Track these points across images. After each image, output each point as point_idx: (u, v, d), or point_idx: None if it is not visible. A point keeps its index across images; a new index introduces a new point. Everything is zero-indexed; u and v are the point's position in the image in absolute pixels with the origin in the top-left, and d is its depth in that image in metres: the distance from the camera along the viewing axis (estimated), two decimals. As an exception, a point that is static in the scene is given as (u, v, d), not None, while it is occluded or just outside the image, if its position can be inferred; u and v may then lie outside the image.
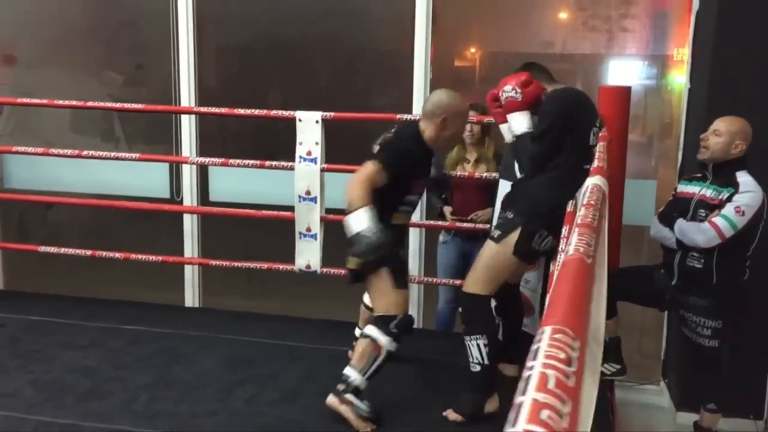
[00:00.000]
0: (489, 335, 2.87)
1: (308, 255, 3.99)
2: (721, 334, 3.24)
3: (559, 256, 2.24)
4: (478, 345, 2.85)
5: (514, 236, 2.84)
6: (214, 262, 4.34)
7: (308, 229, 3.97)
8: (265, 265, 4.23)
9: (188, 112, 4.52)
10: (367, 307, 3.36)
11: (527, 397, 0.59)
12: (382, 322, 2.88)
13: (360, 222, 2.70)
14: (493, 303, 3.05)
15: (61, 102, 4.30)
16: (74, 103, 4.29)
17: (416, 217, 3.99)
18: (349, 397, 2.84)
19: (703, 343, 3.26)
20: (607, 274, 2.17)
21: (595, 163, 2.50)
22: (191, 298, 4.70)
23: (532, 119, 2.91)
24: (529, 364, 0.66)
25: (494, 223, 3.44)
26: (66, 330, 3.98)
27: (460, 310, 3.05)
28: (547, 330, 0.73)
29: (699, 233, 3.13)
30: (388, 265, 2.89)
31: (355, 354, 2.90)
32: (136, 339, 3.88)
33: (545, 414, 0.56)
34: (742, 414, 3.76)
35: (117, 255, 4.35)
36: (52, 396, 3.20)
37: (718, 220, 3.09)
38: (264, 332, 3.99)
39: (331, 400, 2.87)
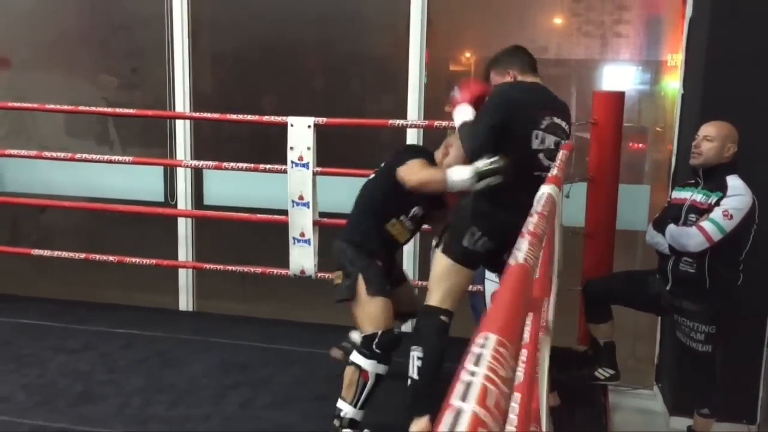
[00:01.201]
0: (428, 350, 2.68)
1: (302, 260, 3.99)
2: (714, 339, 3.25)
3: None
4: (413, 357, 2.69)
5: (446, 237, 2.78)
6: (208, 266, 4.33)
7: (302, 234, 3.97)
8: (259, 270, 4.23)
9: (180, 117, 4.52)
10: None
11: (467, 407, 0.59)
12: (364, 345, 2.79)
13: (459, 173, 2.64)
14: None
15: (53, 106, 4.29)
16: (66, 107, 4.28)
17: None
18: None
19: (697, 348, 3.27)
20: (555, 279, 2.16)
21: (553, 171, 2.41)
22: (185, 301, 4.69)
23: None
24: (469, 367, 0.66)
25: None
26: (59, 333, 3.97)
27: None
28: (492, 338, 0.73)
29: (687, 238, 3.14)
30: (363, 274, 2.83)
31: (343, 384, 2.80)
32: (130, 343, 3.87)
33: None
34: (736, 419, 3.76)
35: (111, 258, 4.34)
36: (45, 400, 3.19)
37: (705, 224, 3.10)
38: (258, 336, 3.99)
39: None
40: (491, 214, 2.70)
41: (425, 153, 2.98)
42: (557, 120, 2.81)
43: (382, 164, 3.04)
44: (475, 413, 0.58)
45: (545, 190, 1.91)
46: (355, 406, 2.76)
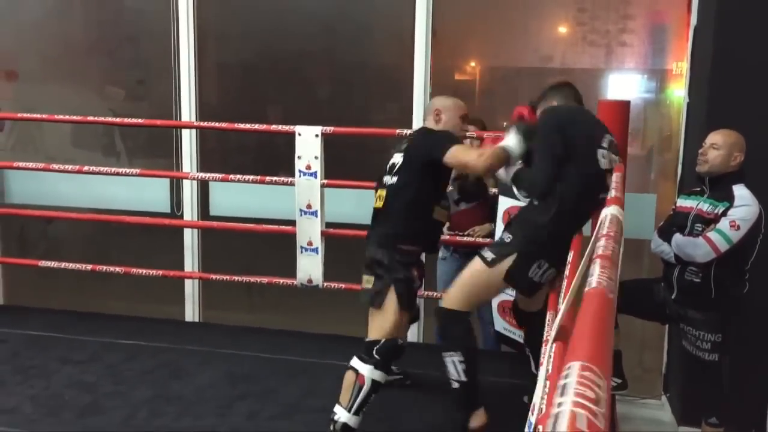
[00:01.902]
0: (465, 351, 2.74)
1: (310, 269, 3.99)
2: (720, 347, 3.23)
3: (564, 282, 2.20)
4: (453, 362, 2.73)
5: (509, 261, 2.69)
6: (214, 277, 4.34)
7: (309, 244, 3.97)
8: (265, 280, 4.23)
9: (188, 126, 4.54)
10: None
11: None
12: (365, 350, 2.79)
13: (510, 139, 2.75)
14: (517, 335, 2.95)
15: (61, 117, 4.31)
16: (74, 118, 4.30)
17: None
18: None
19: (703, 357, 3.26)
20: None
21: (612, 193, 2.32)
22: (191, 312, 4.69)
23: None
24: (557, 400, 0.65)
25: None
26: (66, 345, 3.98)
27: (435, 325, 2.93)
28: (575, 366, 0.72)
29: (694, 248, 3.13)
30: (396, 287, 2.80)
31: (343, 388, 2.81)
32: (136, 354, 3.87)
33: None
34: (744, 428, 3.73)
35: (117, 269, 4.35)
36: (52, 411, 3.20)
37: (712, 234, 3.10)
38: (264, 347, 3.99)
39: None
40: (562, 242, 2.57)
41: (445, 134, 2.96)
42: (613, 138, 2.78)
43: (396, 162, 2.94)
44: None
45: (609, 211, 1.89)
46: (349, 411, 2.75)
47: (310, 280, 4.01)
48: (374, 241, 2.90)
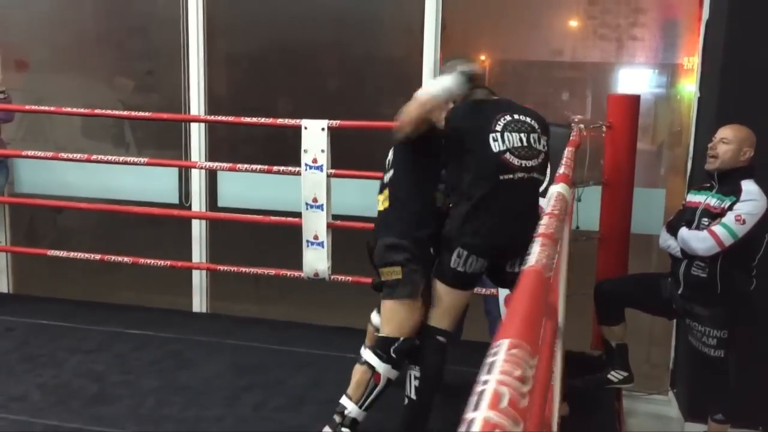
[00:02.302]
0: (425, 370, 2.63)
1: (316, 263, 3.99)
2: (726, 343, 3.22)
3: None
4: (410, 375, 2.65)
5: (436, 264, 2.69)
6: (222, 268, 4.35)
7: (315, 237, 3.97)
8: (272, 272, 4.24)
9: (194, 120, 4.54)
10: (375, 327, 3.15)
11: (478, 415, 0.57)
12: (382, 347, 2.70)
13: (436, 84, 2.71)
14: None
15: (68, 110, 4.33)
16: (83, 110, 4.32)
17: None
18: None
19: (709, 353, 3.25)
20: (564, 283, 2.12)
21: (561, 170, 2.35)
22: (199, 303, 4.71)
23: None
24: (482, 377, 0.64)
25: None
26: (74, 334, 4.00)
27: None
28: (504, 343, 0.72)
29: (698, 241, 3.12)
30: (420, 283, 2.70)
31: (352, 382, 2.72)
32: (144, 344, 3.89)
33: None
34: (751, 425, 3.72)
35: (125, 259, 4.37)
36: (60, 400, 3.22)
37: (717, 228, 3.08)
38: (271, 338, 4.00)
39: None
40: (473, 230, 2.58)
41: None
42: (517, 116, 2.68)
43: (389, 158, 2.92)
44: (486, 418, 0.57)
45: (555, 189, 1.87)
46: (360, 407, 2.69)
47: (316, 274, 4.01)
48: (383, 233, 2.81)
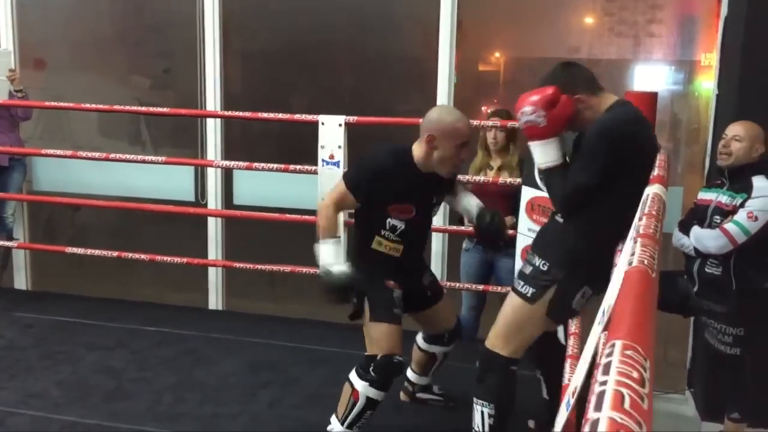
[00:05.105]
0: (499, 407, 2.45)
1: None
2: (743, 341, 3.21)
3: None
4: (482, 412, 2.46)
5: (550, 294, 2.36)
6: (238, 265, 4.36)
7: (332, 233, 3.96)
8: (288, 269, 4.25)
9: (212, 115, 4.56)
10: (419, 348, 3.14)
11: (603, 415, 0.56)
12: (364, 363, 2.67)
13: (321, 255, 2.59)
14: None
15: (87, 106, 4.35)
16: (101, 106, 4.34)
17: (438, 221, 3.98)
18: None
19: (725, 351, 3.23)
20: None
21: (655, 171, 2.15)
22: (215, 300, 4.73)
23: (563, 145, 2.36)
24: (600, 378, 0.63)
25: (519, 261, 3.21)
26: (92, 331, 4.03)
27: (477, 364, 2.57)
28: (618, 344, 0.70)
29: (711, 240, 3.11)
30: (368, 296, 2.69)
31: (340, 399, 2.72)
32: (161, 341, 3.91)
33: None
34: (769, 424, 3.69)
35: (142, 257, 4.39)
36: (78, 396, 3.24)
37: (729, 226, 3.07)
38: (287, 336, 4.01)
39: None
40: (604, 268, 2.12)
41: (366, 169, 2.69)
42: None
43: None
44: (611, 418, 0.56)
45: (651, 190, 1.78)
46: (342, 424, 2.68)
47: (332, 270, 4.01)
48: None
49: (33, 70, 5.17)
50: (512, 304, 2.46)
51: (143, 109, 4.53)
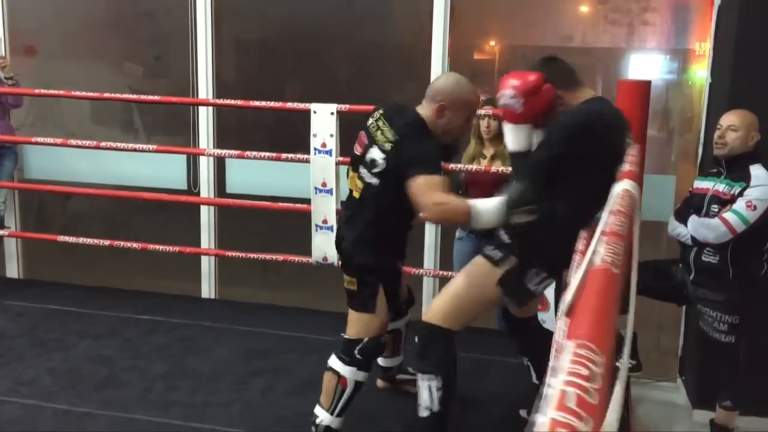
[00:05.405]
0: (446, 379, 2.42)
1: (325, 248, 3.99)
2: (738, 329, 3.22)
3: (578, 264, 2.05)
4: (429, 387, 2.41)
5: (512, 263, 2.41)
6: (230, 254, 4.36)
7: (325, 221, 3.97)
8: (281, 257, 4.24)
9: (203, 104, 4.54)
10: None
11: (546, 416, 0.57)
12: (345, 350, 2.63)
13: (487, 210, 2.31)
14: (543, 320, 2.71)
15: (77, 93, 4.33)
16: (92, 94, 4.32)
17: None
18: None
19: (720, 339, 3.24)
20: (635, 280, 2.01)
21: (626, 167, 2.17)
22: (207, 289, 4.72)
23: (534, 135, 2.40)
24: (550, 380, 0.64)
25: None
26: (83, 319, 4.02)
27: (416, 339, 2.53)
28: (570, 345, 0.71)
29: (709, 229, 3.11)
30: (384, 284, 2.62)
31: (323, 389, 2.68)
32: (153, 329, 3.91)
33: None
34: (761, 413, 3.71)
35: (134, 245, 4.38)
36: (70, 384, 3.24)
37: (728, 215, 3.07)
38: (279, 324, 4.01)
39: None
40: (561, 255, 2.20)
41: (428, 154, 2.44)
42: (629, 138, 2.45)
43: (377, 160, 2.53)
44: (553, 418, 0.57)
45: (621, 186, 1.78)
46: (331, 414, 2.65)
47: (325, 258, 4.01)
48: (351, 239, 2.64)
49: (24, 57, 5.13)
50: (468, 272, 2.48)
51: (133, 97, 4.49)
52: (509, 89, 2.33)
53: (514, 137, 2.40)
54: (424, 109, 2.57)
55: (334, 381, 2.64)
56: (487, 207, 2.31)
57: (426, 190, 2.33)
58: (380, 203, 2.55)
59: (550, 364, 0.71)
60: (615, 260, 1.11)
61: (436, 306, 2.50)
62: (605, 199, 2.10)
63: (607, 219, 1.40)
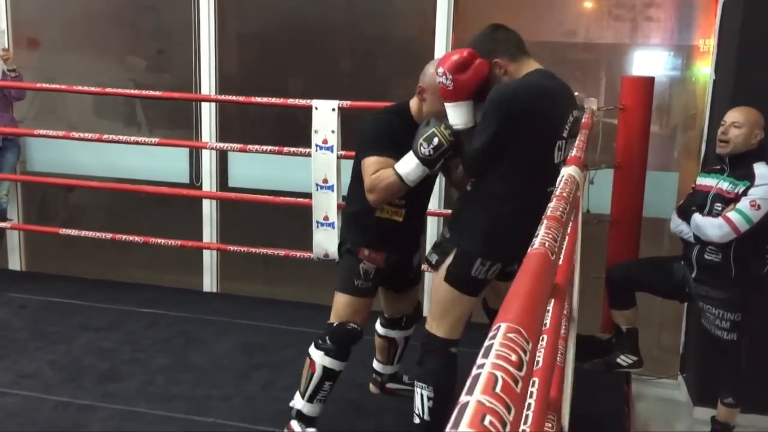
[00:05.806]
0: (436, 389, 2.39)
1: (326, 244, 3.99)
2: (739, 327, 3.21)
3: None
4: (422, 395, 2.40)
5: (449, 260, 2.38)
6: (232, 248, 4.36)
7: (326, 218, 3.96)
8: (282, 252, 4.24)
9: (204, 99, 4.53)
10: (378, 334, 3.11)
11: (472, 399, 0.57)
12: (323, 333, 2.66)
13: (408, 163, 2.38)
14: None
15: (80, 88, 4.32)
16: (94, 89, 4.32)
17: (434, 205, 3.98)
18: (293, 424, 2.69)
19: (722, 336, 3.24)
20: (579, 267, 2.02)
21: (573, 152, 2.18)
22: (209, 282, 4.73)
23: (474, 111, 2.35)
24: (479, 361, 0.64)
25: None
26: (85, 312, 4.03)
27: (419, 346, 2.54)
28: (502, 327, 0.71)
29: (713, 228, 3.10)
30: (337, 264, 2.64)
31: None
32: (154, 322, 3.92)
33: (487, 419, 0.54)
34: (762, 410, 3.71)
35: (136, 238, 4.38)
36: (71, 377, 3.25)
37: (732, 215, 3.06)
38: (280, 318, 4.01)
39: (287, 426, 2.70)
40: (503, 237, 2.30)
41: (386, 132, 2.53)
42: (576, 113, 2.43)
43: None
44: (479, 401, 0.57)
45: (566, 171, 1.83)
46: (303, 398, 2.66)
47: (326, 255, 4.01)
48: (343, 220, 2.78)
49: (27, 50, 5.13)
50: (432, 281, 2.52)
51: (135, 92, 4.49)
52: (440, 68, 2.32)
53: (453, 114, 2.34)
54: (414, 100, 2.62)
55: (307, 364, 2.67)
56: (407, 162, 2.37)
57: (365, 176, 2.47)
58: (352, 188, 2.71)
59: (485, 343, 0.70)
60: (552, 245, 1.12)
61: (430, 313, 2.51)
62: (543, 176, 2.20)
63: (551, 203, 1.43)
